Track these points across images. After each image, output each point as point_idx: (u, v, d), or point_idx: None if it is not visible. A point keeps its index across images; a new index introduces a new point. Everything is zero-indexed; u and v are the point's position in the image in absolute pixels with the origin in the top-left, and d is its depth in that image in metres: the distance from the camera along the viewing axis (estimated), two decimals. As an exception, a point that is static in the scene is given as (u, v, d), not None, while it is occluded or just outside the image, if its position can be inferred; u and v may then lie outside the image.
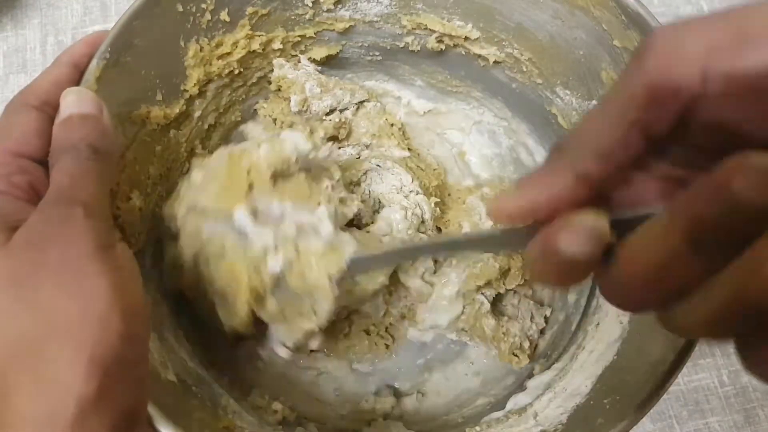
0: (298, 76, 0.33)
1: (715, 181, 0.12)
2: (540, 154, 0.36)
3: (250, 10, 0.31)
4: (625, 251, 0.13)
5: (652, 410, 0.23)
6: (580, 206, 0.15)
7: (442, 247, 0.22)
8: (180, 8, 0.28)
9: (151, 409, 0.21)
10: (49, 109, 0.22)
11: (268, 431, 0.28)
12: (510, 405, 0.30)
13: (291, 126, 0.34)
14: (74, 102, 0.22)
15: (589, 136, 0.15)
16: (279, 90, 0.34)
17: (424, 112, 0.39)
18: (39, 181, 0.21)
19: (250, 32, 0.32)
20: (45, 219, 0.18)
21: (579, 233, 0.14)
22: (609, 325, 0.29)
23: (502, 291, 0.33)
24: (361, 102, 0.36)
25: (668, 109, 0.13)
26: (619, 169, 0.15)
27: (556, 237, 0.14)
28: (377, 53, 0.36)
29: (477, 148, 0.39)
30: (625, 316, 0.28)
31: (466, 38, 0.33)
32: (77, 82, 0.24)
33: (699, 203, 0.12)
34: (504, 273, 0.33)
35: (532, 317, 0.33)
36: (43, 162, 0.22)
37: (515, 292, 0.34)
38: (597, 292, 0.32)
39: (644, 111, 0.14)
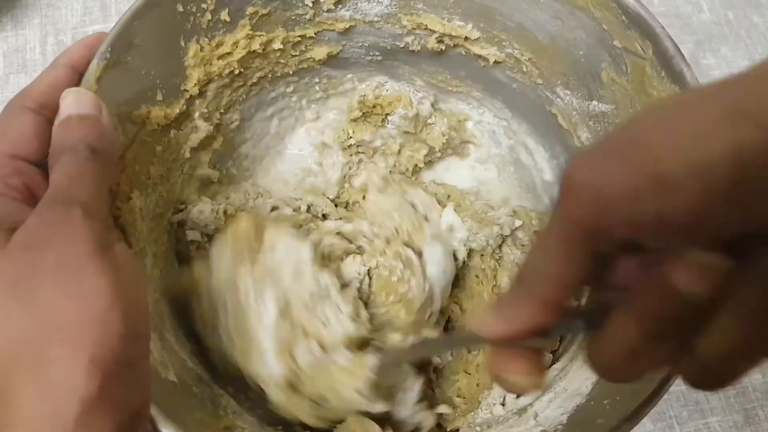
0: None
1: (659, 282, 0.13)
2: (540, 154, 0.36)
3: (250, 10, 0.31)
4: (597, 344, 0.15)
5: (652, 410, 0.23)
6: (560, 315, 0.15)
7: (464, 342, 0.22)
8: (180, 8, 0.28)
9: (152, 410, 0.21)
10: (46, 111, 0.22)
11: (269, 431, 0.28)
12: (510, 405, 0.30)
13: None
14: (73, 103, 0.22)
15: (540, 268, 0.15)
16: None
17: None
18: (35, 183, 0.21)
19: (250, 32, 0.32)
20: (43, 220, 0.18)
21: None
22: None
23: None
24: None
25: (606, 243, 0.14)
26: (582, 284, 0.15)
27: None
28: (377, 53, 0.36)
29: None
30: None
31: (466, 38, 0.33)
32: (75, 84, 0.24)
33: (650, 303, 0.13)
34: None
35: None
36: (39, 164, 0.22)
37: None
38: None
39: (582, 249, 0.14)
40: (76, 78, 0.24)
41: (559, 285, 0.15)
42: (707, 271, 0.12)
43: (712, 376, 0.14)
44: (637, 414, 0.23)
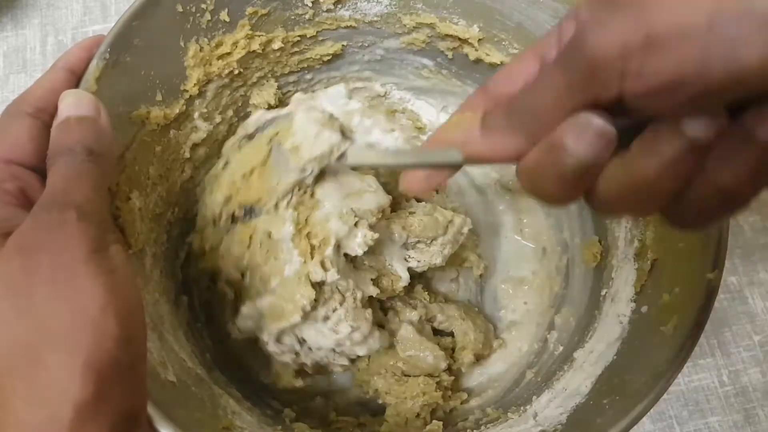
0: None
1: (550, 140, 0.15)
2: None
3: (249, 10, 0.31)
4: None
5: (652, 410, 0.23)
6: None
7: (437, 157, 0.21)
8: (180, 8, 0.28)
9: (151, 410, 0.21)
10: (44, 115, 0.22)
11: (268, 431, 0.28)
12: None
13: None
14: (72, 104, 0.22)
15: (536, 108, 0.16)
16: None
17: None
18: (31, 188, 0.21)
19: (250, 32, 0.32)
20: (37, 224, 0.18)
21: (588, 133, 0.15)
22: (608, 325, 0.29)
23: None
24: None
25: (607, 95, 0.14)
26: None
27: (563, 138, 0.15)
28: (377, 53, 0.36)
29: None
30: (624, 317, 0.28)
31: (466, 38, 0.33)
32: (73, 87, 0.24)
33: (539, 157, 0.16)
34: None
35: None
36: (36, 169, 0.22)
37: None
38: (597, 293, 0.32)
39: (588, 93, 0.15)
40: (75, 81, 0.24)
41: (550, 126, 0.16)
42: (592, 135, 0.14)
43: (696, 217, 0.15)
44: (636, 414, 0.23)
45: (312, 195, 0.28)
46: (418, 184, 0.20)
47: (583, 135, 0.15)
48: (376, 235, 0.29)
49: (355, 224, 0.28)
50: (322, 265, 0.27)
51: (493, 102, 0.18)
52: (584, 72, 0.14)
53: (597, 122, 0.15)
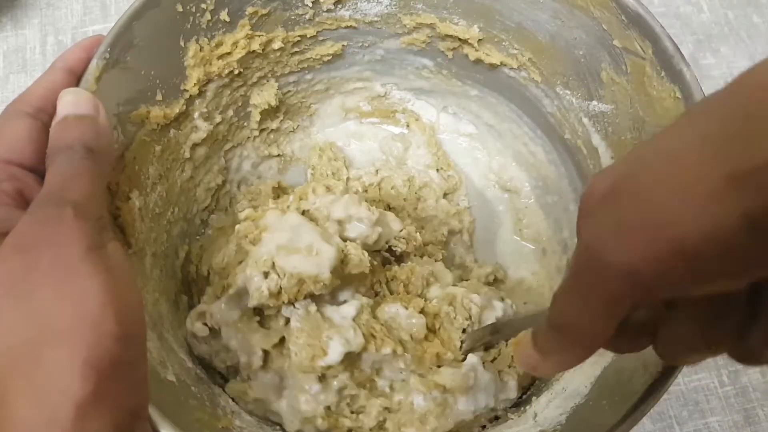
0: None
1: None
2: (540, 154, 0.36)
3: (250, 10, 0.31)
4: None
5: (651, 411, 0.23)
6: None
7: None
8: (180, 8, 0.28)
9: (151, 409, 0.21)
10: (44, 115, 0.22)
11: (267, 431, 0.28)
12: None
13: None
14: (71, 103, 0.22)
15: (581, 324, 0.17)
16: None
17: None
18: (29, 189, 0.21)
19: (250, 32, 0.32)
20: (34, 221, 0.18)
21: None
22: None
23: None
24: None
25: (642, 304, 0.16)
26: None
27: None
28: (377, 53, 0.36)
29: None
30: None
31: (466, 38, 0.33)
32: (72, 87, 0.24)
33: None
34: None
35: None
36: (35, 170, 0.22)
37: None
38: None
39: (621, 312, 0.15)
40: (74, 81, 0.24)
41: (602, 338, 0.17)
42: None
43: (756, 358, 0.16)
44: (635, 414, 0.23)
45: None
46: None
47: None
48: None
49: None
50: None
51: None
52: (618, 294, 0.15)
53: None
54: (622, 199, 0.14)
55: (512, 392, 0.29)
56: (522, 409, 0.29)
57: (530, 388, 0.31)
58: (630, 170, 0.15)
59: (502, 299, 0.32)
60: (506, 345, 0.31)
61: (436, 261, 0.33)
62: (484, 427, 0.30)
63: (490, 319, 0.31)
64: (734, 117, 0.13)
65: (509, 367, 0.30)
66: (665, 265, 0.13)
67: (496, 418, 0.30)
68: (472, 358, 0.28)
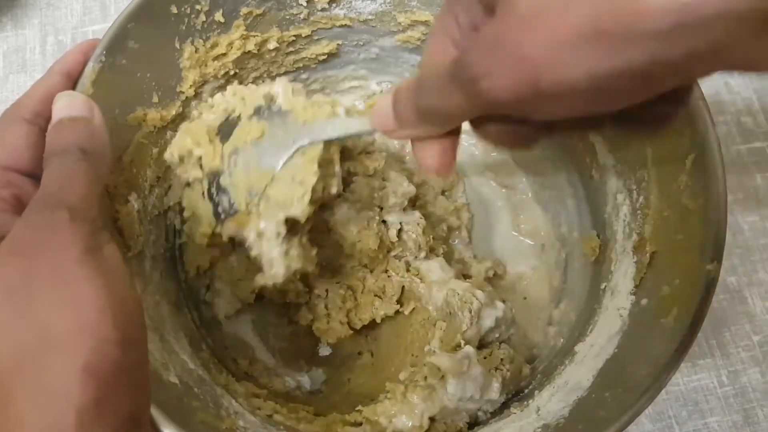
0: None
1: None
2: (536, 148, 0.36)
3: (244, 10, 0.31)
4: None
5: (651, 410, 0.23)
6: None
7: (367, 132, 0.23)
8: (174, 10, 0.28)
9: (154, 411, 0.21)
10: (41, 120, 0.23)
11: (272, 431, 0.28)
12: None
13: None
14: (65, 106, 0.22)
15: (443, 112, 0.18)
16: None
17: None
18: (26, 195, 0.21)
19: (245, 33, 0.32)
20: (30, 225, 0.18)
21: None
22: (609, 319, 0.29)
23: None
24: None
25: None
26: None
27: None
28: (373, 51, 0.36)
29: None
30: (624, 310, 0.28)
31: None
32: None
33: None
34: None
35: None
36: (33, 175, 0.22)
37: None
38: (597, 286, 0.32)
39: (477, 112, 0.17)
40: (71, 85, 0.24)
41: (456, 125, 0.19)
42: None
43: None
44: (638, 406, 0.23)
45: None
46: (439, 159, 0.20)
47: None
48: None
49: None
50: None
51: None
52: (481, 105, 0.16)
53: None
54: (502, 16, 0.15)
55: (495, 393, 0.29)
56: (525, 403, 0.29)
57: (513, 394, 0.31)
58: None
59: (503, 301, 0.32)
60: (498, 347, 0.32)
61: (437, 256, 0.33)
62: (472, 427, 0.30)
63: (489, 317, 0.31)
64: None
65: (496, 369, 0.30)
66: (518, 96, 0.15)
67: (477, 423, 0.30)
68: (468, 349, 0.29)
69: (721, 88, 0.41)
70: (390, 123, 0.20)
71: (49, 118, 0.22)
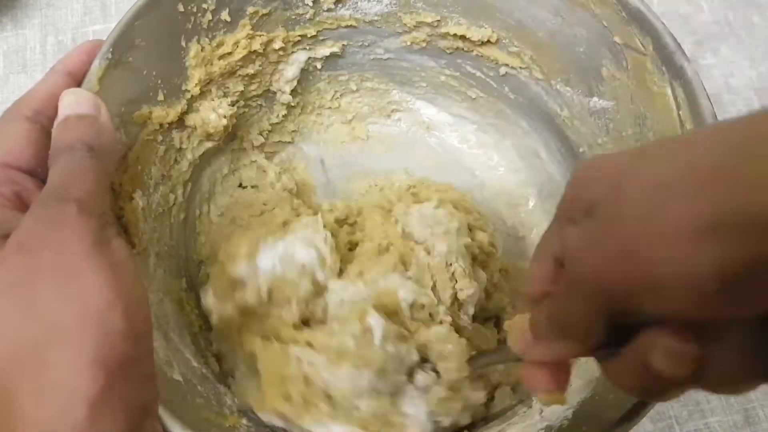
0: None
1: (637, 355, 0.16)
2: (542, 152, 0.36)
3: (250, 9, 0.31)
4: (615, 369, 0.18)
5: (652, 410, 0.23)
6: None
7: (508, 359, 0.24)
8: (181, 8, 0.28)
9: (159, 409, 0.21)
10: (43, 119, 0.22)
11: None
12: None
13: None
14: (72, 103, 0.22)
15: (574, 322, 0.17)
16: None
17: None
18: (27, 192, 0.21)
19: (251, 32, 0.32)
20: (37, 220, 0.18)
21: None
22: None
23: None
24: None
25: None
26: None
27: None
28: (378, 52, 0.36)
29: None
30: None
31: (466, 36, 0.33)
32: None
33: (628, 372, 0.16)
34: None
35: None
36: (34, 173, 0.22)
37: None
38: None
39: (603, 317, 0.16)
40: (73, 84, 0.24)
41: (591, 337, 0.17)
42: (680, 358, 0.15)
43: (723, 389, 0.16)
44: (641, 408, 0.23)
45: None
46: (547, 383, 0.20)
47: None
48: None
49: None
50: None
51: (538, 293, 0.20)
52: (600, 303, 0.15)
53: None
54: (605, 217, 0.15)
55: (480, 395, 0.29)
56: (528, 404, 0.29)
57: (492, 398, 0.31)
58: (616, 181, 0.15)
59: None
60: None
61: None
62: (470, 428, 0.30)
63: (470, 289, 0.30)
64: (730, 148, 0.13)
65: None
66: (635, 291, 0.14)
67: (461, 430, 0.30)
68: None
69: (722, 88, 0.42)
70: (527, 339, 0.19)
71: (50, 117, 0.22)
